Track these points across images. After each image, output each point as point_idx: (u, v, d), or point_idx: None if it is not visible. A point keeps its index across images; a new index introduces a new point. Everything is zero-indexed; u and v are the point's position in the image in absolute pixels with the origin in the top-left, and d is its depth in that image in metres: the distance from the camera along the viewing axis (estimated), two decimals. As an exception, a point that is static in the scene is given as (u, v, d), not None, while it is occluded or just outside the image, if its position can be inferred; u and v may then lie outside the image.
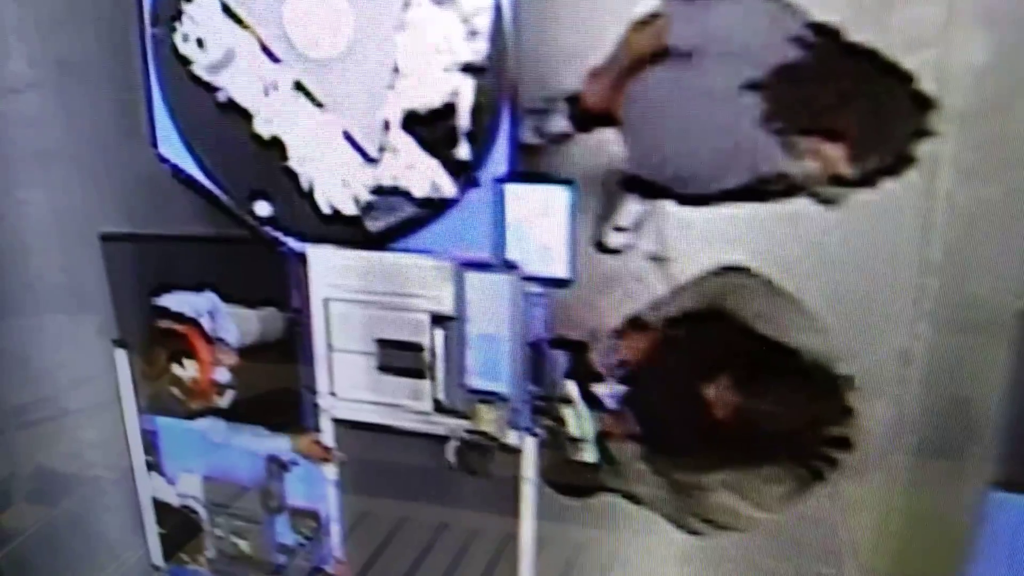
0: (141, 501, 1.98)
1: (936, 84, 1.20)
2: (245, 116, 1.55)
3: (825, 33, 1.21)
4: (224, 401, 1.81)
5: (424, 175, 1.47)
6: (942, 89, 1.20)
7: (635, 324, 1.43)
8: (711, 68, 1.29)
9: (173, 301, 1.75)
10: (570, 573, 1.71)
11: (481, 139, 1.42)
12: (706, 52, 1.29)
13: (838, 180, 1.25)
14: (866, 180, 1.24)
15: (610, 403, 1.46)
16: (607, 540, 1.67)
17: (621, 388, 1.45)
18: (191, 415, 1.85)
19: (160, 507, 1.97)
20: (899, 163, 1.23)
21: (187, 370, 1.80)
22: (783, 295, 1.33)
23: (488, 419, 1.55)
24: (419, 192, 1.49)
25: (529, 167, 1.44)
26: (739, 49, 1.26)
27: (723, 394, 1.31)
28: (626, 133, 1.38)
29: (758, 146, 1.26)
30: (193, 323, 1.74)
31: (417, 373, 1.56)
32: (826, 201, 1.29)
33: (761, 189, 1.30)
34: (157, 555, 2.01)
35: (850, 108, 1.21)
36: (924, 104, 1.20)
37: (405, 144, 1.46)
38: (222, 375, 1.78)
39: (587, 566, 1.70)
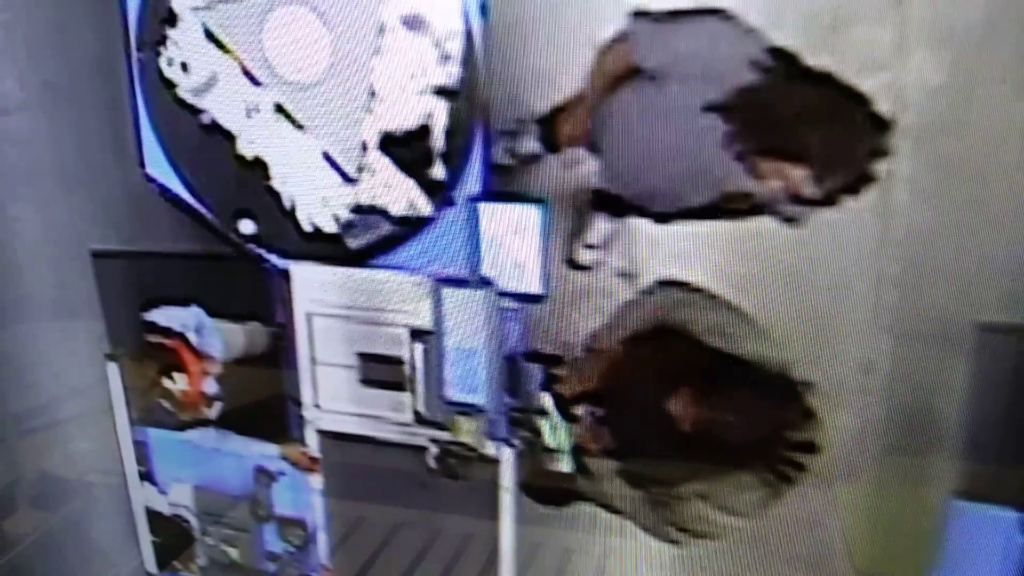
0: (134, 510, 2.02)
1: (891, 104, 1.24)
2: (228, 137, 1.59)
3: (783, 57, 1.25)
4: (213, 412, 1.85)
5: (401, 194, 1.51)
6: (897, 109, 1.24)
7: (595, 341, 1.47)
8: (675, 89, 1.33)
9: (161, 316, 1.79)
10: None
11: (455, 159, 1.46)
12: (671, 74, 1.33)
13: (801, 199, 1.29)
14: (828, 199, 1.29)
15: (583, 416, 1.50)
16: (593, 548, 1.70)
17: (590, 403, 1.48)
18: (182, 427, 1.89)
19: (153, 516, 2.01)
20: (859, 182, 1.27)
21: (177, 383, 1.84)
22: (729, 307, 1.36)
23: (467, 430, 1.59)
24: (396, 211, 1.53)
25: (502, 186, 1.47)
26: (702, 71, 1.30)
27: (685, 407, 1.35)
28: (596, 153, 1.42)
29: (722, 166, 1.30)
30: (181, 337, 1.79)
31: (398, 386, 1.60)
32: (789, 220, 1.33)
33: (726, 207, 1.34)
34: (151, 563, 2.05)
35: (809, 130, 1.26)
36: (880, 125, 1.24)
37: (382, 164, 1.50)
38: (210, 387, 1.82)
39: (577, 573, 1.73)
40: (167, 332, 1.79)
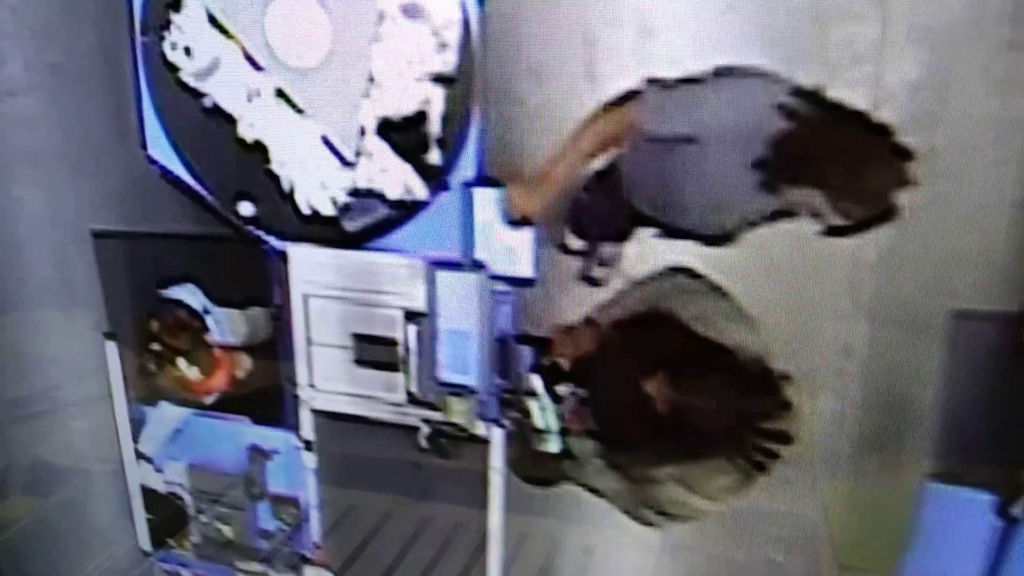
0: (130, 489, 2.04)
1: (871, 99, 1.28)
2: (230, 121, 1.63)
3: (810, 98, 1.27)
4: (210, 398, 1.88)
5: (397, 178, 1.55)
6: (877, 103, 1.28)
7: (585, 324, 1.50)
8: (706, 149, 1.34)
9: (182, 293, 1.81)
10: (550, 564, 1.78)
11: (451, 145, 1.50)
12: (698, 136, 1.34)
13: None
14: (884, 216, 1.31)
15: (569, 399, 1.53)
16: (581, 531, 1.73)
17: (575, 384, 1.52)
18: (180, 405, 1.92)
19: (148, 494, 2.04)
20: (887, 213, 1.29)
21: (182, 366, 1.87)
22: (724, 295, 1.40)
23: (458, 411, 1.62)
24: (393, 194, 1.56)
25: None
26: (731, 128, 1.31)
27: (665, 392, 1.37)
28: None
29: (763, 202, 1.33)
30: (198, 317, 1.81)
31: (391, 366, 1.63)
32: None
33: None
34: (145, 541, 2.08)
35: (858, 178, 1.27)
36: (904, 155, 1.25)
37: (380, 149, 1.54)
38: (219, 379, 1.84)
39: (564, 557, 1.77)
40: (189, 311, 1.81)
